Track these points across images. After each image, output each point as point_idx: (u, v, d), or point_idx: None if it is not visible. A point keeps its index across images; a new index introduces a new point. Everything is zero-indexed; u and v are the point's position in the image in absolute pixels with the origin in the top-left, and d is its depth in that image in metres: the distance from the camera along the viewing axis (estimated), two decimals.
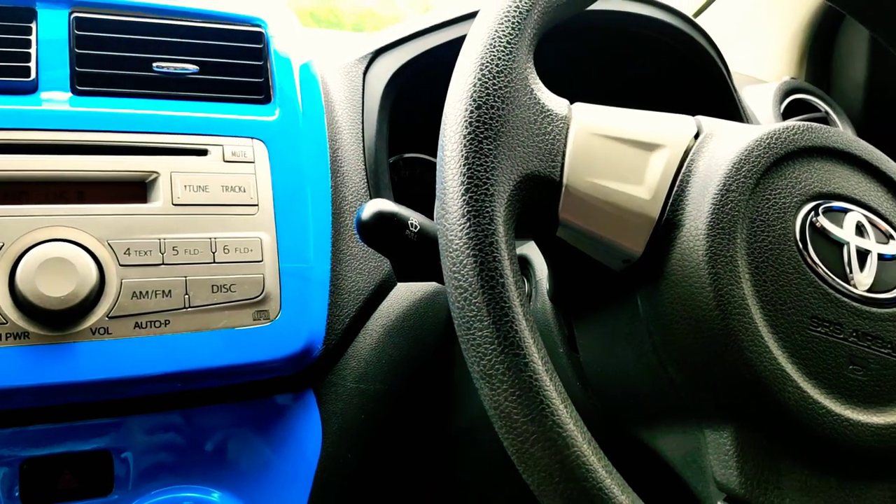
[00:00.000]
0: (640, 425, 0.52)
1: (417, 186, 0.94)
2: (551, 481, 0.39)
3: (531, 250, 0.65)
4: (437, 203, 0.43)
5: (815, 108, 1.08)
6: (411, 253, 0.54)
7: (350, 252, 0.70)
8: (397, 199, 0.61)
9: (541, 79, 0.47)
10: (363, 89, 0.77)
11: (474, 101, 0.42)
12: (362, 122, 0.76)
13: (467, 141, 0.41)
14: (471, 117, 0.42)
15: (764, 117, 1.01)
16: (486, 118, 0.42)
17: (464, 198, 0.41)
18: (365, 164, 0.74)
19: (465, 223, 0.40)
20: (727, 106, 0.94)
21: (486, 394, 0.40)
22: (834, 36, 1.18)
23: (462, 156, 0.41)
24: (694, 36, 0.89)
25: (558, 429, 0.39)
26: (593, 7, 0.80)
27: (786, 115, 1.04)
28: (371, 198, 0.72)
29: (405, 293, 0.71)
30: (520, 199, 0.43)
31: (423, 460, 0.77)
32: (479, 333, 0.40)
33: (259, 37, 0.69)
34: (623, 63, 0.94)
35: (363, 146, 0.75)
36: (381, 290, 0.71)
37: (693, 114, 0.52)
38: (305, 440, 0.67)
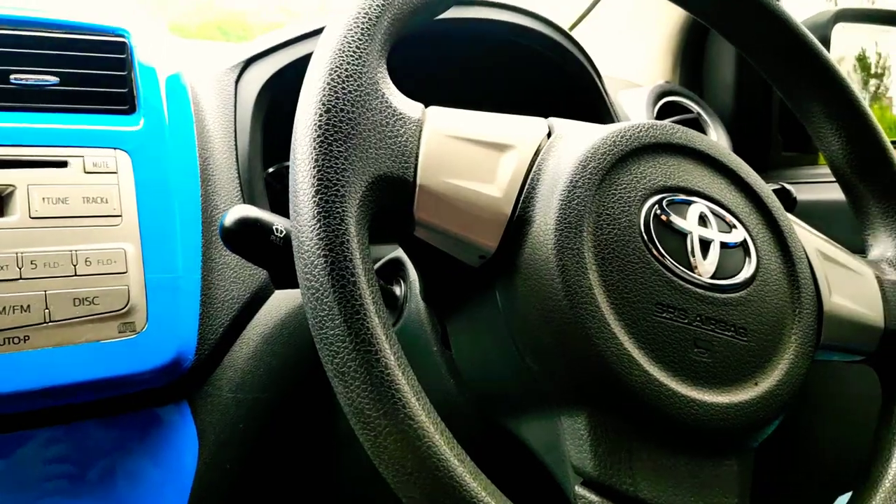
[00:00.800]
0: (509, 416, 0.53)
1: None
2: (404, 472, 0.40)
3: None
4: (290, 206, 0.43)
5: (688, 109, 1.13)
6: (279, 259, 0.54)
7: (223, 261, 0.69)
8: (280, 208, 0.61)
9: (414, 85, 0.48)
10: (235, 98, 0.77)
11: (323, 104, 0.43)
12: (235, 131, 0.76)
13: (317, 144, 0.42)
14: (320, 121, 0.42)
15: (638, 119, 1.05)
16: (335, 121, 0.42)
17: (314, 199, 0.41)
18: (238, 173, 0.74)
19: (315, 224, 0.41)
20: (599, 109, 0.98)
21: (340, 391, 0.40)
22: (704, 42, 1.24)
23: (312, 158, 0.42)
24: (561, 41, 0.92)
25: (410, 421, 0.40)
26: (458, 14, 0.82)
27: (660, 116, 1.09)
28: None
29: (283, 301, 0.72)
30: (373, 199, 0.43)
31: (306, 465, 0.77)
32: (332, 332, 0.40)
33: (122, 47, 0.68)
34: (498, 69, 0.96)
35: (236, 155, 0.74)
36: (258, 299, 0.71)
37: (567, 117, 0.54)
38: (182, 452, 0.66)
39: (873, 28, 1.62)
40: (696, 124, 1.12)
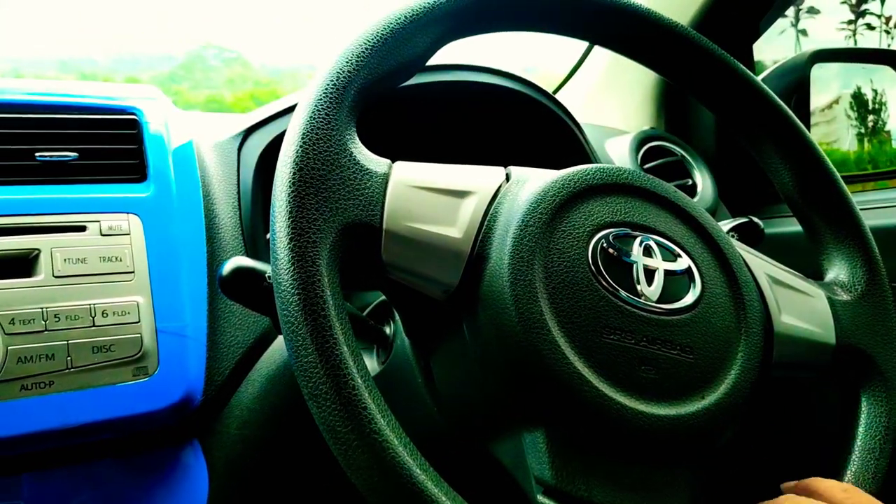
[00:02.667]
0: (484, 438, 0.57)
1: None
2: (371, 480, 0.44)
3: None
4: (270, 252, 0.49)
5: (672, 153, 1.18)
6: (272, 302, 0.61)
7: (228, 310, 0.76)
8: None
9: (392, 142, 0.54)
10: (238, 164, 0.85)
11: (297, 164, 0.49)
12: (238, 194, 0.83)
13: (291, 198, 0.48)
14: (294, 178, 0.48)
15: (623, 164, 1.10)
16: (307, 178, 0.48)
17: (289, 246, 0.47)
18: (242, 232, 0.81)
19: (290, 268, 0.46)
20: (580, 158, 1.04)
21: (314, 412, 0.46)
22: None
23: (288, 212, 0.48)
24: (536, 97, 0.98)
25: (375, 435, 0.44)
26: (433, 79, 0.89)
27: (644, 161, 1.14)
28: None
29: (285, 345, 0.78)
30: (342, 244, 0.49)
31: (307, 499, 0.82)
32: (306, 360, 0.45)
33: (134, 123, 0.77)
34: (476, 125, 1.03)
35: (240, 215, 0.82)
36: (261, 343, 0.77)
37: (549, 167, 0.59)
38: (193, 487, 0.72)
39: (866, 66, 1.67)
40: (681, 166, 1.17)
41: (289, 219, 0.48)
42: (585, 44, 1.38)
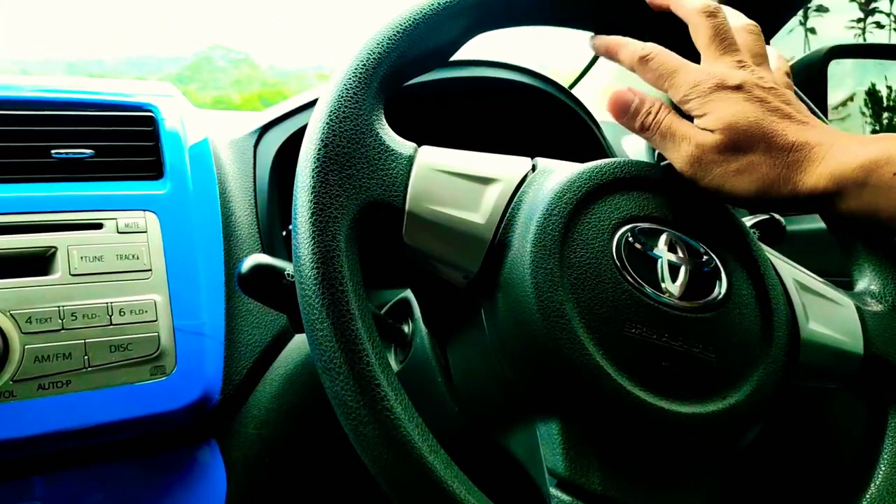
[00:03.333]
0: (500, 432, 0.56)
1: None
2: (380, 457, 0.44)
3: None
4: (292, 226, 0.49)
5: None
6: (292, 300, 0.60)
7: (245, 308, 0.76)
8: None
9: (419, 135, 0.54)
10: (254, 161, 0.84)
11: (322, 140, 0.49)
12: (255, 192, 0.83)
13: (315, 173, 0.48)
14: (318, 154, 0.48)
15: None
16: (332, 154, 0.48)
17: (311, 220, 0.47)
18: (259, 229, 0.80)
19: (310, 241, 0.46)
20: (597, 153, 1.03)
21: (327, 386, 0.45)
22: None
23: (311, 186, 0.48)
24: (554, 93, 0.98)
25: (387, 412, 0.44)
26: (455, 74, 0.88)
27: (661, 157, 1.13)
28: None
29: (303, 344, 0.77)
30: (363, 222, 0.49)
31: (330, 493, 0.81)
32: (321, 333, 0.45)
33: (150, 120, 0.76)
34: (499, 120, 1.03)
35: (256, 213, 0.81)
36: (279, 342, 0.77)
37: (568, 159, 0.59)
38: (211, 487, 0.72)
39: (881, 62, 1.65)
40: None
41: (312, 193, 0.48)
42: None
